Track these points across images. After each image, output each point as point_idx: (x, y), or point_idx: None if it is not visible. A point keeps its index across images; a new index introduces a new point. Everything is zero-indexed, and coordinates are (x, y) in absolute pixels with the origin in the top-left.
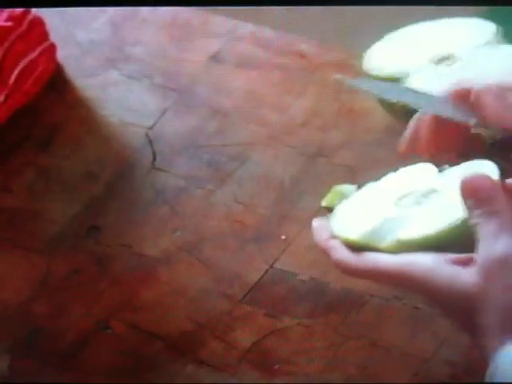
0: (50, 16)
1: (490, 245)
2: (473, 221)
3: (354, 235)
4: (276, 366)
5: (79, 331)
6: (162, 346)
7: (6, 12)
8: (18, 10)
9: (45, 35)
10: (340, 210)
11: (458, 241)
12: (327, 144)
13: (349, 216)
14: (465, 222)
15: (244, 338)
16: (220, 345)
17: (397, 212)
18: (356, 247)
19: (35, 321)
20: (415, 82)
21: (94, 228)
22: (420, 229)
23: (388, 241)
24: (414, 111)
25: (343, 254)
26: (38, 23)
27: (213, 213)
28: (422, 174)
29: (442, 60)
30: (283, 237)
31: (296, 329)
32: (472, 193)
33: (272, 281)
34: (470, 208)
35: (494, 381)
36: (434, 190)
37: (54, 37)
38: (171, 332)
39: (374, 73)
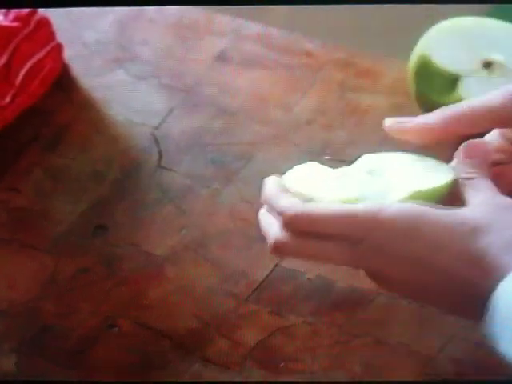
0: (57, 16)
1: (492, 197)
2: (467, 175)
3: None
4: (281, 364)
5: (87, 329)
6: (169, 344)
7: (13, 12)
8: (25, 11)
9: (51, 35)
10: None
11: None
12: (332, 142)
13: (302, 174)
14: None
15: (250, 336)
16: (226, 343)
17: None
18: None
19: (43, 319)
20: (469, 87)
21: (101, 227)
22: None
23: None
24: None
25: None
26: (45, 23)
27: (219, 211)
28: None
29: (491, 65)
30: None
31: (302, 327)
32: (473, 153)
33: (278, 279)
34: (466, 165)
35: (496, 315)
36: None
37: (60, 37)
38: (178, 330)
39: (437, 63)
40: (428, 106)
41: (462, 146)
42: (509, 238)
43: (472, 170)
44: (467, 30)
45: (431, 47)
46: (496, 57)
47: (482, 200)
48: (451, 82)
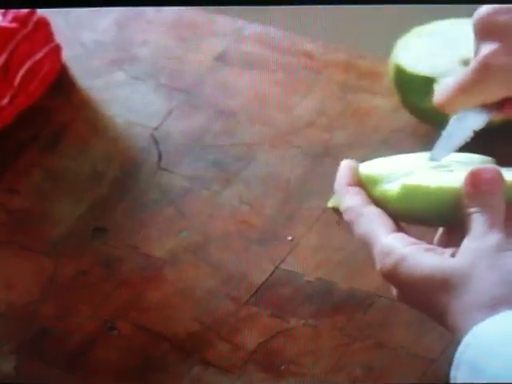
0: (55, 17)
1: (483, 234)
2: (469, 210)
3: (370, 171)
4: (282, 367)
5: (86, 332)
6: (169, 347)
7: (11, 13)
8: (23, 11)
9: (50, 36)
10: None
11: (450, 206)
12: (333, 144)
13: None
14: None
15: (250, 338)
16: (226, 346)
17: (414, 168)
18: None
19: (42, 322)
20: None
21: (100, 229)
22: (424, 180)
23: (395, 184)
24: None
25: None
26: (43, 24)
27: (219, 213)
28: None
29: (469, 63)
30: (289, 237)
31: (302, 330)
32: (479, 183)
33: (278, 282)
34: (470, 197)
35: (464, 359)
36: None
37: (59, 38)
38: (177, 333)
39: (409, 69)
40: (414, 112)
41: (468, 174)
42: (479, 299)
43: (474, 203)
44: (440, 32)
45: (401, 55)
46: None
47: (469, 245)
48: (427, 85)
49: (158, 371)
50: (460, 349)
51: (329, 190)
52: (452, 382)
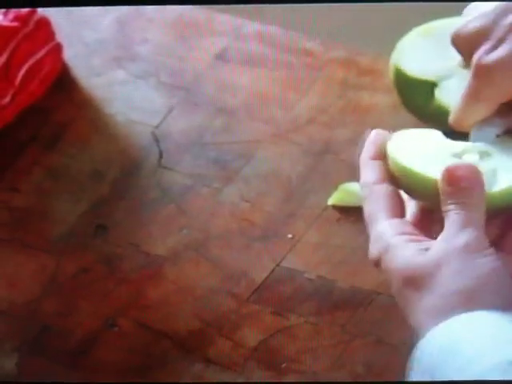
0: (56, 16)
1: (453, 234)
2: (445, 208)
3: (405, 161)
4: (283, 365)
5: (87, 330)
6: (170, 345)
7: (13, 12)
8: (25, 10)
9: (51, 35)
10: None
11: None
12: (334, 141)
13: (408, 144)
14: None
15: (251, 336)
16: (227, 343)
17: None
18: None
19: (44, 319)
20: (449, 89)
21: (101, 227)
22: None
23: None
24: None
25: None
26: (45, 23)
27: (219, 211)
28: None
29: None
30: (290, 235)
31: (303, 327)
32: (454, 181)
33: (279, 279)
34: (446, 194)
35: (417, 365)
36: (487, 154)
37: (60, 37)
38: (179, 330)
39: (410, 72)
40: (415, 113)
41: (444, 171)
42: (437, 302)
43: (452, 200)
44: (440, 32)
45: (402, 58)
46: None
47: (439, 244)
48: (429, 88)
49: (159, 368)
50: (415, 353)
51: (330, 188)
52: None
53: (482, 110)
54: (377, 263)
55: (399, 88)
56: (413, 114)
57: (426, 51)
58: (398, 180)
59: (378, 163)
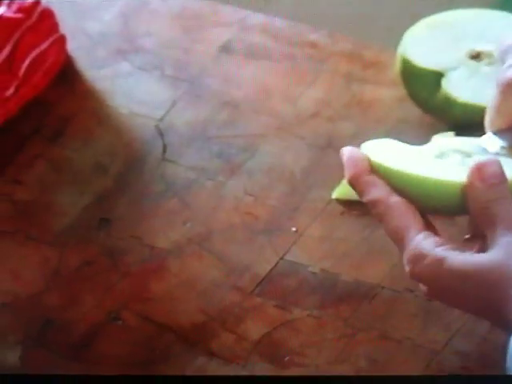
0: (60, 7)
1: (505, 223)
2: (482, 204)
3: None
4: (286, 358)
5: (90, 323)
6: (173, 338)
7: (16, 4)
8: (28, 2)
9: (55, 27)
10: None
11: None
12: (338, 135)
13: (391, 153)
14: None
15: (254, 329)
16: (231, 336)
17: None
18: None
19: (47, 312)
20: (456, 80)
21: (104, 220)
22: None
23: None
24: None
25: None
26: (48, 15)
27: (223, 205)
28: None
29: (478, 56)
30: (294, 228)
31: (306, 320)
32: (487, 177)
33: (282, 273)
34: (479, 190)
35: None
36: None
37: (63, 28)
38: (182, 324)
39: (417, 63)
40: (421, 105)
41: (472, 167)
42: None
43: (486, 198)
44: (448, 23)
45: (409, 48)
46: (484, 47)
47: (501, 239)
48: (436, 79)
49: (162, 362)
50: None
51: (333, 181)
52: (508, 372)
53: (499, 122)
54: (425, 278)
55: (406, 78)
56: (418, 106)
57: (433, 42)
58: (402, 190)
59: (372, 178)
